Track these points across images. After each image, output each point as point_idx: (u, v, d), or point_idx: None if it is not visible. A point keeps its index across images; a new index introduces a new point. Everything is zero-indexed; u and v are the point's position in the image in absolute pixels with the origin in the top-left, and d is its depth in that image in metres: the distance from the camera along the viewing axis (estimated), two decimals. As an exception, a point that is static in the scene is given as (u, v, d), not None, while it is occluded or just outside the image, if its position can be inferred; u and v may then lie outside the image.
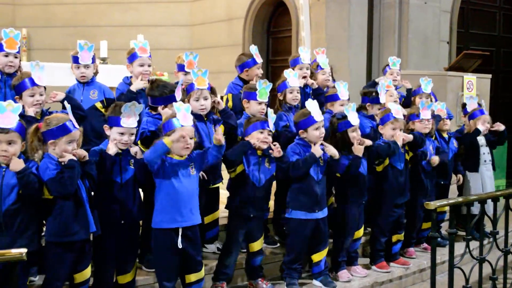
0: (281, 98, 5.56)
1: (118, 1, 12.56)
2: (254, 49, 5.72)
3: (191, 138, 4.24)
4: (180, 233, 4.20)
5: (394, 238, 5.79)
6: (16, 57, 4.83)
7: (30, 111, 4.38)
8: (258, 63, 5.73)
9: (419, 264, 5.96)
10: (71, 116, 3.92)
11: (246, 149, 4.73)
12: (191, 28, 12.51)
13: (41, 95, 4.47)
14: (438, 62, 9.95)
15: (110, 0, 12.56)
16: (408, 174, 5.78)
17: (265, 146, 4.78)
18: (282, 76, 5.59)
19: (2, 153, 3.72)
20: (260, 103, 5.11)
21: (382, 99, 5.93)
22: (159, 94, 4.63)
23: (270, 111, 4.94)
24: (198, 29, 12.42)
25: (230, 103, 5.51)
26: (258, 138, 4.75)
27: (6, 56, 4.79)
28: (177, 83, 4.82)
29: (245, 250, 5.08)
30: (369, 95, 6.05)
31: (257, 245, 4.93)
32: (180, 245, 4.20)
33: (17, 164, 3.71)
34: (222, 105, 4.99)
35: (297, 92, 5.55)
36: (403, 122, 5.64)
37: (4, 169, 3.76)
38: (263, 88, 5.10)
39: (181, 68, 5.38)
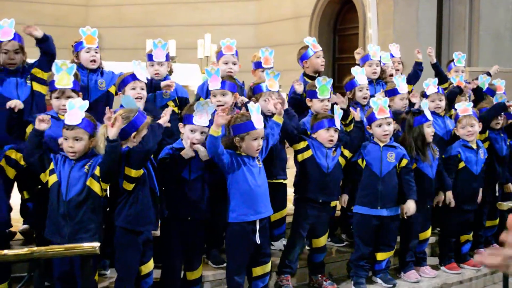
0: (350, 96, 5.52)
1: (186, 1, 12.78)
2: (310, 40, 5.69)
3: (262, 139, 4.28)
4: (257, 227, 4.25)
5: (463, 238, 5.66)
6: (96, 52, 5.00)
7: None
8: (316, 51, 5.67)
9: (491, 266, 5.79)
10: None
11: None
12: (258, 27, 12.59)
13: (142, 89, 4.62)
14: (510, 59, 9.68)
15: (179, 0, 12.78)
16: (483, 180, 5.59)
17: (330, 145, 4.78)
18: (350, 74, 5.54)
19: (69, 149, 3.86)
20: (322, 100, 5.07)
21: (402, 89, 5.60)
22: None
23: (337, 107, 4.88)
24: (264, 27, 12.48)
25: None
26: (324, 137, 4.75)
27: (88, 51, 4.96)
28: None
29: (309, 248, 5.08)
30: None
31: (320, 242, 4.92)
32: (258, 241, 4.25)
33: (112, 132, 3.80)
34: (286, 105, 4.98)
35: (367, 90, 5.49)
36: (470, 117, 5.47)
37: (74, 163, 3.89)
38: (323, 85, 5.05)
39: (258, 65, 5.44)
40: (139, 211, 3.96)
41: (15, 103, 4.27)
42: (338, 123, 4.80)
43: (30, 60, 4.82)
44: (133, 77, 4.60)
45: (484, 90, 6.41)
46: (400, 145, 5.07)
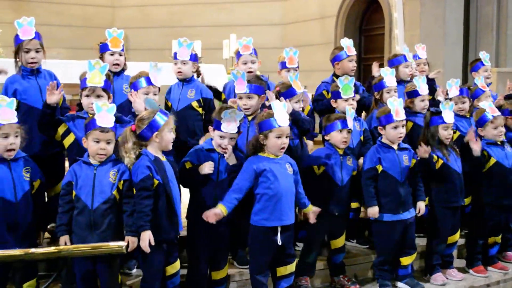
0: (377, 97, 5.48)
1: (212, 1, 12.82)
2: (347, 42, 5.63)
3: (286, 137, 4.26)
4: (279, 231, 4.24)
5: (491, 240, 5.56)
6: (121, 55, 4.99)
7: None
8: (350, 55, 5.61)
9: (519, 270, 5.73)
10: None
11: None
12: (284, 27, 12.59)
13: (155, 94, 4.58)
14: (539, 60, 9.57)
15: (205, 0, 12.83)
16: None
17: (344, 146, 4.72)
18: (379, 75, 5.50)
19: (101, 151, 3.83)
20: (346, 100, 5.06)
21: (422, 91, 5.52)
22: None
23: (348, 107, 4.81)
24: (290, 27, 12.49)
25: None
26: (337, 139, 4.69)
27: (112, 54, 4.95)
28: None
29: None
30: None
31: (338, 242, 4.87)
32: (279, 242, 4.24)
33: None
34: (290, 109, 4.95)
35: (395, 92, 5.43)
36: (502, 118, 5.42)
37: (95, 167, 3.84)
38: (346, 84, 5.03)
39: (283, 65, 5.44)
40: (156, 223, 3.85)
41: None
42: (351, 124, 4.75)
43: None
44: (147, 81, 4.54)
45: None
46: (409, 146, 5.01)
